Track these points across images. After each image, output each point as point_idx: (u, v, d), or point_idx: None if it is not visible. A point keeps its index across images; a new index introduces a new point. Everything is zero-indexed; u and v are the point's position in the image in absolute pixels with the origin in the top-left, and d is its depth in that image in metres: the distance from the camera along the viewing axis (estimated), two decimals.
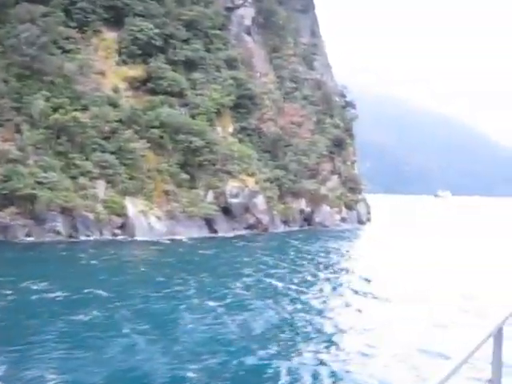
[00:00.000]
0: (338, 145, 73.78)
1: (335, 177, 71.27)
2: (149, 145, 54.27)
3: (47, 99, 50.42)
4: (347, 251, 48.90)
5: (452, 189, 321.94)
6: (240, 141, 64.98)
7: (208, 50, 66.25)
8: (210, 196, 56.97)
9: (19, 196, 44.69)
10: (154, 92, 59.15)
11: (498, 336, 3.40)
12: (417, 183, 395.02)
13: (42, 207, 44.78)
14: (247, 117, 66.97)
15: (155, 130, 55.41)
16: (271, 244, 51.97)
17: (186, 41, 64.03)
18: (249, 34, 73.17)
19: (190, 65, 63.16)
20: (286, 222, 63.93)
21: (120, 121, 53.48)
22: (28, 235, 44.49)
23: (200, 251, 42.92)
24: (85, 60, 55.82)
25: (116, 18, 61.06)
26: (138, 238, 48.00)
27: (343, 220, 68.81)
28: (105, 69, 57.96)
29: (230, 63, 68.38)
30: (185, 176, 56.10)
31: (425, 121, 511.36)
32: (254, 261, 39.11)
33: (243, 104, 66.39)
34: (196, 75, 62.98)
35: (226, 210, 57.47)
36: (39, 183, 45.58)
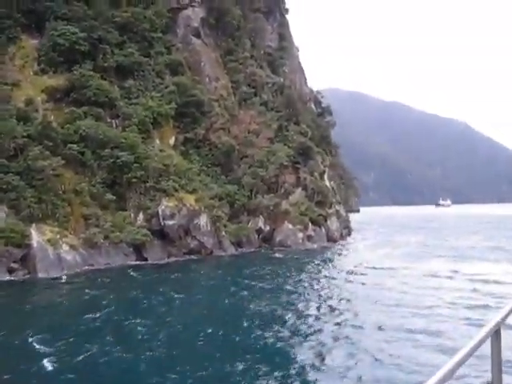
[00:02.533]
0: (304, 153, 66.06)
1: (299, 190, 63.46)
2: (63, 162, 47.14)
3: None
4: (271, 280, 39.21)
5: (457, 197, 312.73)
6: (184, 154, 57.95)
7: (147, 55, 59.50)
8: (141, 218, 49.68)
9: None
10: (78, 103, 52.30)
11: (495, 336, 3.37)
12: (419, 193, 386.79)
13: None
14: (194, 126, 59.90)
15: (74, 146, 48.43)
16: (195, 273, 43.59)
17: (119, 45, 57.32)
18: (198, 36, 66.23)
19: (123, 71, 56.35)
20: (239, 244, 56.29)
21: (29, 136, 46.55)
22: None
23: (86, 290, 35.04)
24: None
25: (37, 24, 54.67)
26: (41, 274, 40.64)
27: (309, 238, 60.90)
28: (20, 79, 51.38)
29: (174, 68, 61.58)
30: (110, 197, 48.93)
31: (426, 126, 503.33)
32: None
33: (188, 113, 59.40)
34: (130, 83, 56.21)
35: (162, 234, 50.13)
36: None
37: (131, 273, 42.14)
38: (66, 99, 52.56)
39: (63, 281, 38.78)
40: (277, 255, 52.54)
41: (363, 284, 35.62)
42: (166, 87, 58.80)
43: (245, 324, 24.68)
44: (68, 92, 52.54)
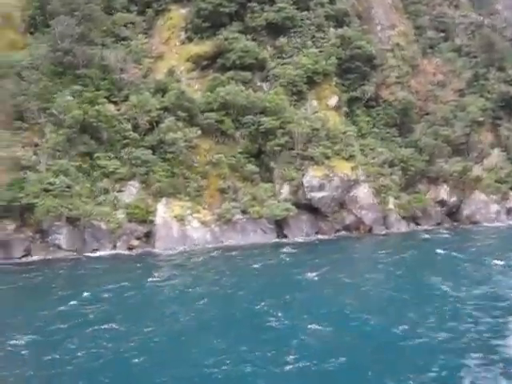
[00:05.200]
0: (508, 106, 52.24)
1: (497, 151, 50.19)
2: (199, 133, 43.51)
3: (78, 94, 43.61)
4: None
5: None
6: (348, 115, 49.82)
7: (306, 8, 52.62)
8: (286, 190, 43.51)
9: (19, 206, 38.36)
10: (224, 69, 48.30)
11: None
12: None
13: (41, 218, 37.62)
14: (361, 83, 51.32)
15: (212, 114, 44.47)
16: (342, 258, 35.59)
17: (270, 1, 51.48)
18: None
19: (274, 30, 50.55)
20: (414, 219, 46.36)
21: (165, 109, 43.93)
22: (27, 252, 37.78)
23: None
24: (140, 45, 48.13)
25: None
26: (159, 250, 37.62)
27: (509, 212, 47.57)
28: (164, 51, 49.36)
29: (340, 19, 53.55)
30: (251, 167, 43.87)
31: None
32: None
33: (353, 68, 51.12)
34: (282, 41, 50.08)
35: (310, 208, 43.31)
36: (45, 190, 38.59)
37: (268, 250, 36.46)
38: (214, 66, 49.04)
39: (173, 259, 35.04)
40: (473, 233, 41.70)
41: None
42: (327, 41, 51.31)
43: None
44: (214, 58, 48.88)
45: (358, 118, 50.45)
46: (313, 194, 42.66)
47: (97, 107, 42.55)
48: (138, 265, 33.39)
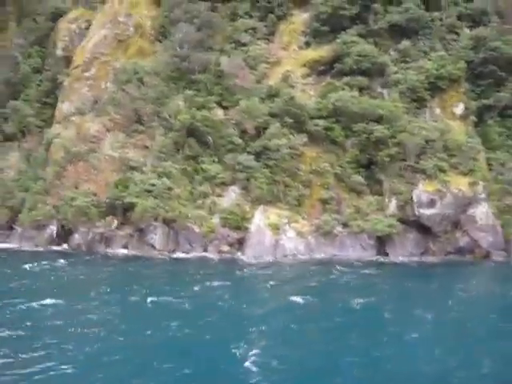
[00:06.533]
0: None
1: None
2: (305, 140, 42.12)
3: (190, 99, 44.64)
4: None
5: None
6: (478, 125, 44.91)
7: (437, 8, 48.62)
8: (393, 205, 40.35)
9: (121, 205, 40.18)
10: (341, 74, 46.24)
11: None
12: None
13: (139, 217, 39.01)
14: (496, 89, 46.01)
15: (321, 121, 42.78)
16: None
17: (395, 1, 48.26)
18: None
19: (398, 32, 47.29)
20: None
21: (273, 115, 43.21)
22: (125, 247, 39.50)
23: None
24: (258, 51, 47.99)
25: None
26: (247, 257, 36.93)
27: None
28: (282, 56, 48.58)
29: (477, 18, 48.69)
30: (358, 178, 41.40)
31: None
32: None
33: (487, 72, 46.01)
34: (405, 44, 46.62)
35: (419, 226, 39.66)
36: (147, 191, 40.02)
37: (363, 271, 33.79)
38: (331, 71, 47.20)
39: (261, 268, 33.99)
40: None
41: None
42: (458, 43, 46.93)
43: None
44: (332, 63, 47.03)
45: (488, 128, 45.27)
46: (422, 211, 39.03)
47: (204, 112, 43.23)
48: (224, 271, 33.18)
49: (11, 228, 44.23)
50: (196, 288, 26.86)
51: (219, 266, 34.53)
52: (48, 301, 23.36)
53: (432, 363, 16.56)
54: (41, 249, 40.18)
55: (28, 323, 20.22)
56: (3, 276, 30.05)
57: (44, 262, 33.24)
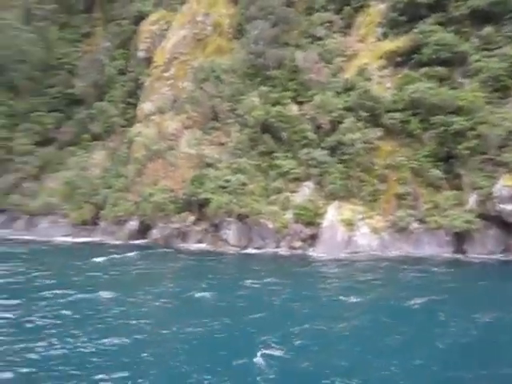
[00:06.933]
0: None
1: None
2: (380, 134, 41.18)
3: (265, 95, 44.97)
4: None
5: None
6: None
7: None
8: (473, 200, 38.53)
9: (197, 201, 41.17)
10: (419, 65, 44.72)
11: None
12: None
13: (213, 212, 39.81)
14: None
15: (396, 114, 41.64)
16: None
17: None
18: None
19: (480, 18, 44.96)
20: None
21: (348, 108, 42.61)
22: (200, 242, 40.47)
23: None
24: (333, 44, 47.48)
25: None
26: (318, 253, 36.67)
27: None
28: (358, 49, 47.70)
29: None
30: (436, 173, 39.88)
31: None
32: None
33: None
34: (488, 30, 44.25)
35: (501, 222, 37.64)
36: (221, 187, 40.79)
37: (436, 269, 32.56)
38: (409, 62, 45.77)
39: (335, 264, 33.64)
40: None
41: None
42: None
43: None
44: (409, 54, 45.58)
45: None
46: (503, 206, 36.89)
47: (278, 108, 43.37)
48: (290, 266, 33.19)
49: (95, 223, 46.65)
50: (255, 283, 27.04)
51: (287, 262, 34.50)
52: (108, 292, 24.58)
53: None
54: (121, 242, 42.17)
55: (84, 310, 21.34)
56: (76, 268, 31.79)
57: (117, 256, 35.07)
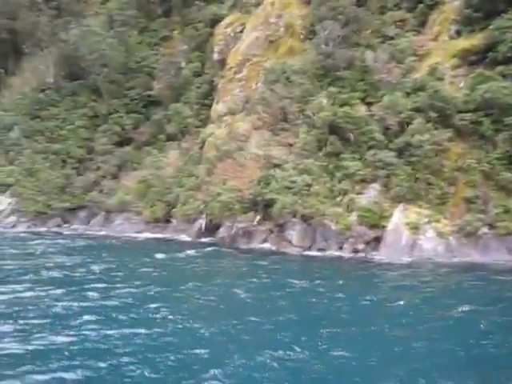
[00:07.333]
0: None
1: None
2: (449, 135, 40.10)
3: (333, 96, 45.03)
4: None
5: None
6: None
7: None
8: None
9: (262, 201, 41.92)
10: (494, 63, 43.07)
11: None
12: None
13: (278, 213, 40.40)
14: None
15: (468, 115, 40.38)
16: None
17: None
18: None
19: None
20: None
21: (417, 109, 41.82)
22: (265, 242, 41.25)
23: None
24: (405, 43, 46.68)
25: None
26: (381, 256, 36.32)
27: None
28: (432, 47, 46.58)
29: None
30: (509, 176, 38.33)
31: None
32: None
33: None
34: None
35: None
36: (287, 188, 41.33)
37: (499, 277, 31.30)
38: (484, 61, 44.17)
39: (402, 269, 33.12)
40: None
41: None
42: None
43: None
44: (485, 52, 43.96)
45: None
46: None
47: (345, 108, 43.27)
48: (348, 270, 33.27)
49: (168, 221, 48.64)
50: (304, 285, 27.40)
51: (345, 264, 34.54)
52: (158, 287, 26.02)
53: None
54: (190, 240, 43.94)
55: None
56: (137, 262, 33.76)
57: (179, 254, 36.59)
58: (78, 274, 29.53)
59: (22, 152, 58.43)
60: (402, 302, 23.67)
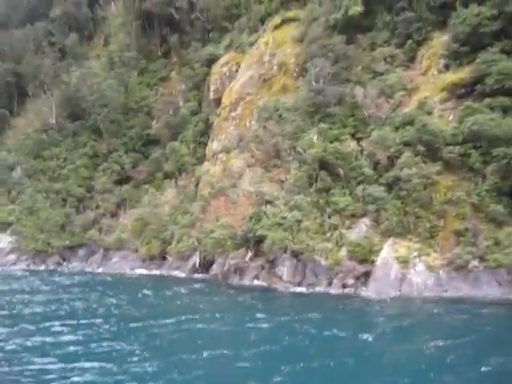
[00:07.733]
0: None
1: None
2: (438, 168, 40.26)
3: (325, 132, 45.56)
4: None
5: None
6: None
7: None
8: None
9: (254, 237, 42.14)
10: (482, 96, 43.40)
11: None
12: None
13: (268, 249, 40.58)
14: None
15: (456, 148, 40.59)
16: None
17: None
18: None
19: None
20: None
21: (405, 143, 42.14)
22: (256, 278, 41.28)
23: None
24: (395, 79, 47.35)
25: (445, 17, 48.73)
26: (369, 292, 36.16)
27: None
28: (421, 82, 47.16)
29: None
30: (498, 208, 38.25)
31: None
32: None
33: None
34: None
35: None
36: (278, 224, 41.57)
37: (486, 310, 31.09)
38: (472, 94, 44.55)
39: (390, 306, 32.92)
40: None
41: None
42: None
43: None
44: (472, 85, 44.39)
45: None
46: None
47: (335, 144, 43.71)
48: (333, 307, 33.11)
49: (163, 258, 49.01)
50: (279, 319, 27.76)
51: (331, 300, 34.42)
52: (144, 321, 26.34)
53: None
54: (184, 276, 44.27)
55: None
56: (126, 300, 33.95)
57: (169, 291, 36.91)
58: (52, 310, 30.28)
59: (24, 191, 59.59)
60: (370, 338, 23.58)
